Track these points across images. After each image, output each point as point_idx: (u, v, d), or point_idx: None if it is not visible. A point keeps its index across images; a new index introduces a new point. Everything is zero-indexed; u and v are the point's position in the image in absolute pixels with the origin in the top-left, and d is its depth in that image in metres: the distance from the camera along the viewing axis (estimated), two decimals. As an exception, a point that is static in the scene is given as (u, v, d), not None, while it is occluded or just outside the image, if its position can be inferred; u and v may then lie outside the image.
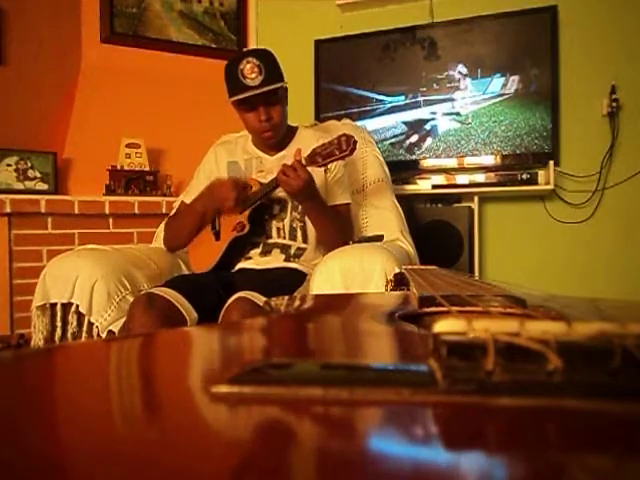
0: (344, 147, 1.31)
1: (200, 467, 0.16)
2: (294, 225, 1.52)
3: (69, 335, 1.38)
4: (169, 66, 2.57)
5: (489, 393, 0.21)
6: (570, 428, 0.19)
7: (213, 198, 1.46)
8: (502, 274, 2.30)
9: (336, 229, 1.48)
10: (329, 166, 1.45)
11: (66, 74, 2.44)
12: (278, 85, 1.42)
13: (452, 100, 2.25)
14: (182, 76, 2.54)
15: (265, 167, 1.54)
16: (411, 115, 2.31)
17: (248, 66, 1.39)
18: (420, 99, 2.30)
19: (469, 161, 2.23)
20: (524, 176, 2.11)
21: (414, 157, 2.31)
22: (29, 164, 2.25)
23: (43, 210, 2.14)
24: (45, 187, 2.27)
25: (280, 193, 1.46)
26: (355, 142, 1.31)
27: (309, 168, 1.35)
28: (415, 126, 2.31)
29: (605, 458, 0.17)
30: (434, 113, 2.28)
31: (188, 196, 1.62)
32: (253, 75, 1.39)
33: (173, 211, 1.74)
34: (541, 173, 2.13)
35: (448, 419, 0.20)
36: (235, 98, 1.43)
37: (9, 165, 2.22)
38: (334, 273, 1.21)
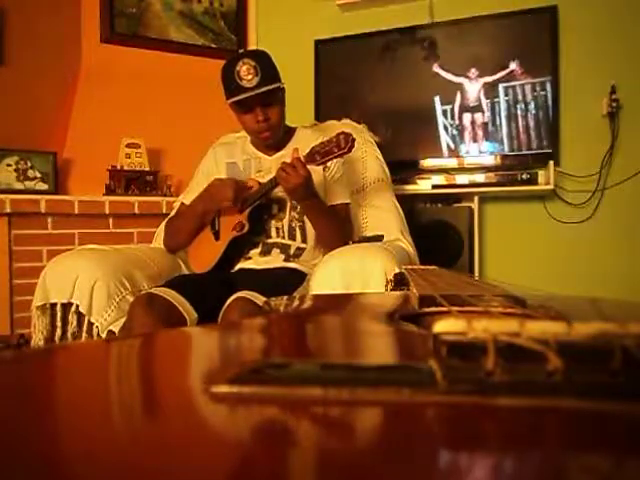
0: (342, 145, 1.31)
1: (200, 466, 0.16)
2: (293, 225, 1.51)
3: (69, 335, 1.38)
4: (169, 66, 2.56)
5: (489, 393, 0.21)
6: (570, 428, 0.19)
7: (212, 198, 1.46)
8: (502, 274, 2.29)
9: (335, 229, 1.48)
10: (328, 164, 1.45)
11: (66, 74, 2.43)
12: (274, 86, 1.42)
13: (452, 100, 2.25)
14: (182, 76, 2.54)
15: (264, 167, 1.54)
16: (411, 115, 2.31)
17: (244, 67, 1.39)
18: (420, 99, 2.30)
19: (469, 161, 2.23)
20: (524, 176, 2.11)
21: (414, 157, 2.31)
22: (29, 164, 2.25)
23: (43, 210, 2.14)
24: (45, 187, 2.27)
25: (279, 193, 1.46)
26: (353, 140, 1.31)
27: (308, 167, 1.35)
28: (415, 126, 2.31)
29: (605, 458, 0.17)
30: (434, 113, 2.28)
31: (188, 196, 1.62)
32: (249, 77, 1.39)
33: (173, 212, 1.74)
34: (541, 173, 2.13)
35: (448, 419, 0.20)
36: (232, 100, 1.43)
37: (9, 165, 2.21)
38: (334, 273, 1.21)
